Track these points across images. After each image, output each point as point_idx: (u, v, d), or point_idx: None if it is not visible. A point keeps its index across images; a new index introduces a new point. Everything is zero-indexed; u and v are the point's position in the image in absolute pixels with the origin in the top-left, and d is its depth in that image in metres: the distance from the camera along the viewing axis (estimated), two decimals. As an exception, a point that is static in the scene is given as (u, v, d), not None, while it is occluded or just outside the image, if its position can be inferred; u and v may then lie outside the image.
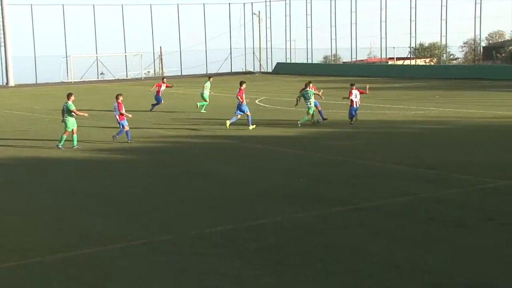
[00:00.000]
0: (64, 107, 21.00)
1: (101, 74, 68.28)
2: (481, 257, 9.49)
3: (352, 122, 25.14)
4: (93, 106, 32.75)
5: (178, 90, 43.95)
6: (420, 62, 65.77)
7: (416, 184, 14.48)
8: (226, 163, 18.09)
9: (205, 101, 31.91)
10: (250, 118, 24.85)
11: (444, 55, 64.74)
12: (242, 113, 24.97)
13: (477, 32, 58.18)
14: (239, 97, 24.87)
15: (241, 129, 24.63)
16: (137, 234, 11.14)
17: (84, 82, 63.71)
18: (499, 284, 8.48)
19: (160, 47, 72.77)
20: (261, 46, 76.37)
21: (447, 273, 8.87)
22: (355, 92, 25.35)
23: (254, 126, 24.62)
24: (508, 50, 58.76)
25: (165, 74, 72.95)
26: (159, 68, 74.22)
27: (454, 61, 67.91)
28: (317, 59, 73.02)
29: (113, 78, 66.70)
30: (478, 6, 56.24)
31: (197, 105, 31.68)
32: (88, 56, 67.41)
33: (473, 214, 11.91)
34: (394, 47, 65.63)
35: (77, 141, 20.96)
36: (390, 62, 66.60)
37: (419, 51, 67.02)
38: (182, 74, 71.17)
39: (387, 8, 63.26)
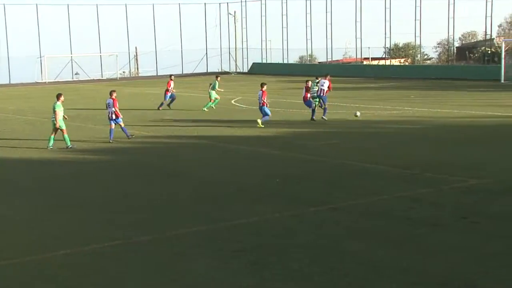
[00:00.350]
0: (52, 107, 21.04)
1: (75, 74, 67.77)
2: (456, 255, 9.57)
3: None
4: (67, 106, 32.45)
5: (154, 91, 43.76)
6: (395, 62, 66.22)
7: (392, 184, 14.57)
8: (202, 164, 18.05)
9: (212, 100, 32.25)
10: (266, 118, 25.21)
11: (419, 55, 65.24)
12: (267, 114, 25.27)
13: (451, 33, 58.80)
14: (263, 100, 25.16)
15: (217, 129, 24.61)
16: (114, 234, 11.07)
17: (58, 82, 63.19)
18: (473, 281, 8.56)
19: (136, 47, 72.44)
20: (237, 46, 76.34)
21: (423, 272, 8.93)
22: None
23: (263, 126, 24.79)
24: (480, 50, 59.32)
25: (140, 75, 72.71)
26: (135, 68, 73.90)
27: (428, 61, 68.44)
28: (293, 59, 73.22)
29: (88, 79, 66.23)
30: (451, 7, 56.78)
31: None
32: (62, 56, 66.85)
33: (448, 213, 12.01)
34: (369, 47, 66.05)
35: (54, 141, 20.81)
36: (365, 62, 66.98)
37: (394, 51, 67.45)
38: (158, 74, 70.90)
39: (362, 8, 63.63)
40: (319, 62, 70.66)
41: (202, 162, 18.34)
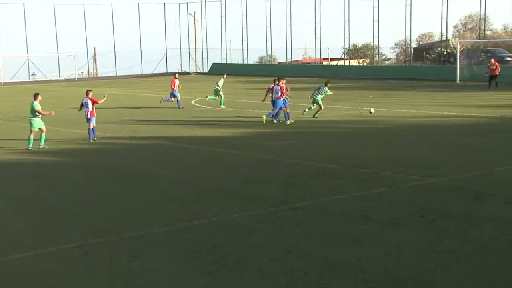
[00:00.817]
0: (30, 107, 20.83)
1: (32, 74, 66.85)
2: (413, 253, 9.70)
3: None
4: (25, 106, 32.00)
5: (114, 91, 43.40)
6: (354, 62, 66.86)
7: (350, 183, 14.69)
8: (161, 164, 17.97)
9: (219, 96, 33.01)
10: (287, 114, 25.73)
11: (377, 55, 65.95)
12: (280, 108, 25.77)
13: (408, 34, 59.57)
14: (284, 94, 25.74)
15: (177, 130, 24.52)
16: (70, 237, 10.95)
17: (14, 83, 62.26)
18: (427, 278, 8.68)
19: (94, 48, 71.77)
20: (196, 47, 76.20)
21: (381, 270, 9.03)
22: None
23: (292, 121, 25.45)
24: (437, 51, 60.23)
25: (99, 75, 72.03)
26: (93, 68, 73.23)
27: (387, 62, 69.27)
28: (253, 59, 73.39)
29: (45, 79, 65.38)
30: (408, 8, 57.53)
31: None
32: (18, 56, 65.86)
33: (405, 211, 12.16)
34: (328, 48, 66.57)
35: (34, 141, 20.66)
36: (324, 63, 67.46)
37: (353, 51, 68.08)
38: (117, 74, 70.35)
39: (322, 9, 64.07)
40: (279, 63, 70.95)
41: (161, 163, 18.25)
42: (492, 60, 42.41)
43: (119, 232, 11.18)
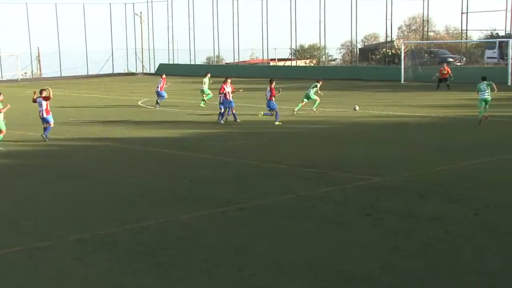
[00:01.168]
0: None
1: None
2: (359, 251, 9.82)
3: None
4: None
5: (58, 92, 42.67)
6: (301, 63, 67.29)
7: (297, 183, 14.78)
8: (108, 166, 17.76)
9: (206, 95, 33.15)
10: (278, 115, 25.82)
11: (323, 56, 66.53)
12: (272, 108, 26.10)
13: (354, 35, 60.31)
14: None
15: (124, 131, 24.28)
16: (14, 241, 10.72)
17: (-46, 83, 60.75)
18: (374, 275, 8.80)
19: (38, 48, 70.48)
20: (143, 47, 75.59)
21: (328, 268, 9.11)
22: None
23: (280, 123, 25.44)
24: (382, 52, 61.13)
25: (43, 76, 70.80)
26: (37, 69, 71.93)
27: (333, 62, 69.93)
28: (200, 60, 73.17)
29: (-13, 80, 63.98)
30: (354, 9, 58.23)
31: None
32: (-42, 56, 64.34)
33: (352, 210, 12.29)
34: (275, 49, 66.85)
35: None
36: (271, 63, 67.72)
37: (300, 52, 68.52)
38: (62, 75, 69.27)
39: (268, 10, 64.33)
40: (226, 63, 70.93)
41: (108, 164, 18.04)
42: (445, 65, 43.26)
43: (64, 235, 11.00)
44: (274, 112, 26.09)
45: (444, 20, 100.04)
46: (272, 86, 26.39)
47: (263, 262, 9.45)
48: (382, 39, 65.44)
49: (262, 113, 26.80)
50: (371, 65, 61.01)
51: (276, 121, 25.60)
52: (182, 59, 72.02)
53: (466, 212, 11.84)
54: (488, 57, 55.19)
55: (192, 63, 70.73)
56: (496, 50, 54.24)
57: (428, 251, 9.74)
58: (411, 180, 14.66)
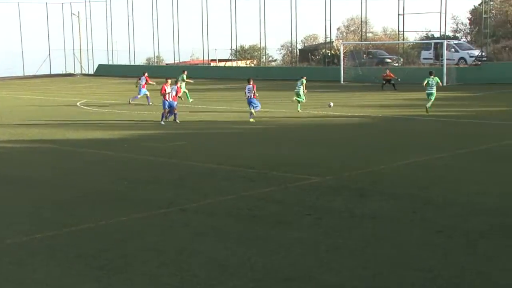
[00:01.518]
0: None
1: None
2: (299, 250, 9.89)
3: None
4: None
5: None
6: (241, 63, 67.40)
7: (239, 183, 14.80)
8: (46, 168, 17.42)
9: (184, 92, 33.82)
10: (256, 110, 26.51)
11: (264, 57, 66.80)
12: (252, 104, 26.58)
13: (293, 36, 60.78)
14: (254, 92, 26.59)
15: (63, 132, 23.88)
16: None
17: None
18: (313, 274, 8.88)
19: (-29, 48, 68.70)
20: (81, 48, 74.48)
21: (268, 268, 9.15)
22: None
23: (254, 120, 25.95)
24: (321, 52, 61.77)
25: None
26: (-29, 70, 70.08)
27: (273, 63, 70.29)
28: (140, 61, 72.54)
29: None
30: (293, 10, 58.69)
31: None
32: None
33: (293, 210, 12.38)
34: (215, 49, 66.79)
35: None
36: (212, 64, 67.65)
37: (240, 53, 68.64)
38: (-3, 76, 67.67)
39: (208, 10, 64.26)
40: (166, 64, 70.52)
41: (45, 166, 17.70)
42: (387, 71, 43.99)
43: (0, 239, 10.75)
44: (253, 108, 26.57)
45: (381, 22, 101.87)
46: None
47: (205, 263, 9.43)
48: (321, 39, 66.12)
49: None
50: (311, 65, 61.55)
51: (250, 118, 26.06)
52: (122, 59, 71.26)
53: (404, 210, 12.06)
54: (424, 58, 56.39)
55: (132, 63, 70.05)
56: (431, 51, 55.48)
57: (368, 249, 9.88)
58: (351, 180, 14.85)
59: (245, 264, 9.32)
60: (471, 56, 52.74)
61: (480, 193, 13.26)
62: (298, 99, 30.00)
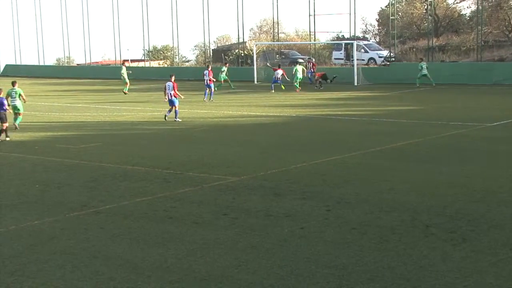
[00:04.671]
0: None
1: None
2: (216, 250, 9.91)
3: None
4: None
5: None
6: (154, 64, 66.87)
7: (154, 184, 14.69)
8: (-49, 172, 16.78)
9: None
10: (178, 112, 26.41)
11: (177, 57, 66.48)
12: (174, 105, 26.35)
13: (206, 36, 60.78)
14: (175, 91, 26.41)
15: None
16: None
17: None
18: (230, 274, 8.92)
19: None
20: (-14, 47, 72.08)
21: (185, 269, 9.13)
22: None
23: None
24: (235, 53, 62.01)
25: None
26: None
27: (187, 63, 70.04)
28: (50, 61, 70.87)
29: None
30: (206, 10, 58.69)
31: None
32: None
33: (209, 210, 12.39)
34: (128, 49, 66.04)
35: None
36: (126, 64, 66.74)
37: (153, 53, 68.06)
38: None
39: (120, 10, 63.43)
40: (77, 64, 69.17)
41: (-49, 170, 17.05)
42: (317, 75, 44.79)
43: None
44: (174, 109, 26.40)
45: (293, 23, 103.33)
46: (173, 80, 26.65)
47: (120, 266, 9.32)
48: (234, 40, 66.35)
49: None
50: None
51: (176, 119, 26.14)
52: (31, 59, 69.43)
53: (318, 209, 12.27)
54: (335, 58, 57.52)
55: (41, 64, 68.30)
56: (342, 51, 56.65)
57: (283, 248, 10.01)
58: (267, 179, 14.99)
59: (162, 265, 9.28)
60: (380, 57, 54.18)
61: (391, 190, 13.65)
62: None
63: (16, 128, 23.52)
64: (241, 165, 16.87)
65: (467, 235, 10.42)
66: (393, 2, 55.10)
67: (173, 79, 26.81)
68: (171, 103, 26.55)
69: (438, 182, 14.36)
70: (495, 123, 24.04)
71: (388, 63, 52.20)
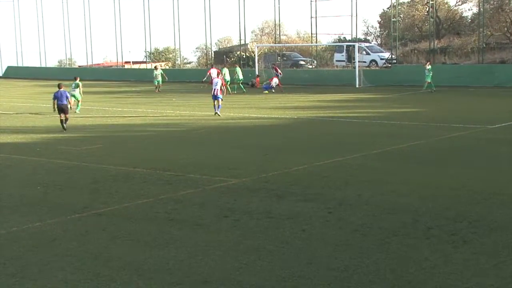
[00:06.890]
0: None
1: None
2: (218, 252, 9.91)
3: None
4: None
5: None
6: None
7: (156, 186, 14.69)
8: (-47, 174, 16.80)
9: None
10: None
11: (179, 59, 66.52)
12: None
13: (208, 38, 60.82)
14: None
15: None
16: None
17: None
18: (232, 276, 8.92)
19: None
20: (-12, 49, 72.19)
21: (187, 271, 9.13)
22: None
23: None
24: (236, 54, 62.04)
25: None
26: None
27: (189, 65, 70.07)
28: (52, 63, 70.94)
29: None
30: (207, 12, 58.72)
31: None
32: None
33: (211, 212, 12.38)
34: (129, 51, 66.08)
35: None
36: (126, 66, 66.83)
37: (155, 55, 68.10)
38: None
39: (121, 12, 63.45)
40: (79, 66, 69.22)
41: (-47, 172, 17.07)
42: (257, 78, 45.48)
43: None
44: (218, 103, 28.17)
45: (295, 25, 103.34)
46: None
47: (122, 268, 9.32)
48: (236, 42, 66.37)
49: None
50: (227, 67, 61.68)
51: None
52: (32, 61, 69.47)
53: (320, 211, 12.26)
54: (337, 60, 57.48)
55: (43, 65, 68.35)
56: (344, 53, 56.62)
57: (285, 250, 10.00)
58: (268, 181, 14.98)
59: (163, 267, 9.28)
60: (381, 59, 54.15)
61: (392, 192, 13.64)
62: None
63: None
64: (242, 167, 16.86)
65: (468, 237, 10.42)
66: (395, 4, 55.09)
67: (220, 77, 29.02)
68: (215, 98, 28.18)
69: (440, 184, 14.35)
70: (496, 125, 24.04)
71: (389, 65, 52.18)
